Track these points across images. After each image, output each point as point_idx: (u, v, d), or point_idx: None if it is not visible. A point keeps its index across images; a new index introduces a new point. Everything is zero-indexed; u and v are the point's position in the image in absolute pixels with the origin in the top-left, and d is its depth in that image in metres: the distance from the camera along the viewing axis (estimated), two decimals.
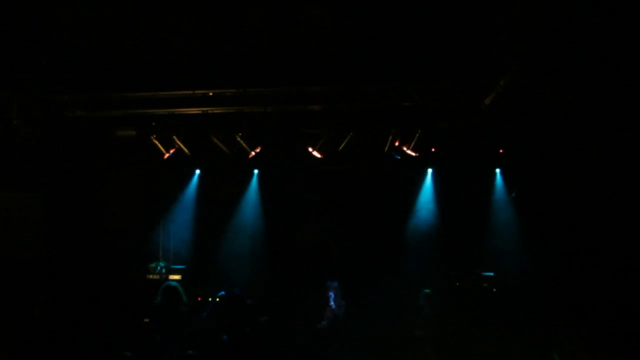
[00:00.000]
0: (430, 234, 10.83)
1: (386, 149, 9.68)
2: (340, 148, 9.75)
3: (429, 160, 10.37)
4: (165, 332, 9.22)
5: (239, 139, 9.92)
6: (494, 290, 10.17)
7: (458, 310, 9.79)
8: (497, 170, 10.79)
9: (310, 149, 9.80)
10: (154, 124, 9.96)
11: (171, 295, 9.36)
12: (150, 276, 10.95)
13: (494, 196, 10.77)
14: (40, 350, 9.73)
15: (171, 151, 10.20)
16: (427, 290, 9.79)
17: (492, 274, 10.32)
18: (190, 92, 9.17)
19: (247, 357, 9.66)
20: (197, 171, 11.68)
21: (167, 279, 10.55)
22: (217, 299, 10.37)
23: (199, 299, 10.59)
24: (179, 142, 10.16)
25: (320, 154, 9.83)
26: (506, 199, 10.68)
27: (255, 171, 11.62)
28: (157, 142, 10.09)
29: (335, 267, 10.68)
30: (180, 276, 10.86)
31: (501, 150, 10.15)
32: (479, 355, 9.09)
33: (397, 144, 9.58)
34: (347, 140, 9.70)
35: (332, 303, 9.85)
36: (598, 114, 8.51)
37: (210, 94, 9.17)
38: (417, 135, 9.47)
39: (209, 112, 9.42)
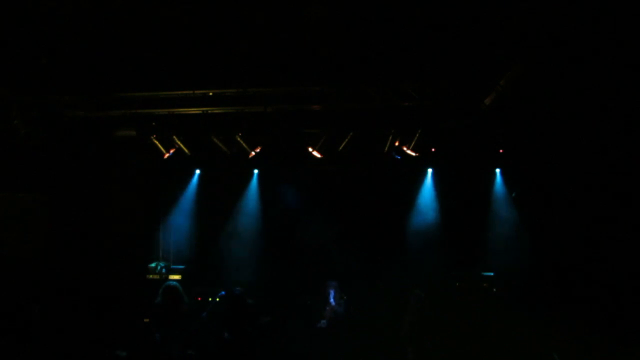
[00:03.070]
0: (430, 233, 10.82)
1: (386, 149, 9.68)
2: (340, 148, 9.75)
3: (429, 160, 10.37)
4: (165, 332, 9.21)
5: (239, 139, 9.92)
6: (494, 290, 10.16)
7: (458, 310, 9.78)
8: (497, 170, 10.79)
9: (310, 149, 9.80)
10: (154, 124, 9.96)
11: (171, 295, 9.35)
12: (150, 276, 10.94)
13: (494, 196, 10.76)
14: (40, 350, 9.73)
15: (171, 151, 10.20)
16: (417, 291, 9.72)
17: (492, 274, 10.31)
18: (190, 92, 9.17)
19: (247, 357, 9.66)
20: (197, 171, 11.68)
21: (167, 279, 10.54)
22: (217, 299, 10.37)
23: (199, 299, 10.59)
24: (179, 142, 10.16)
25: (320, 154, 9.83)
26: (506, 198, 10.67)
27: (255, 171, 11.62)
28: (157, 142, 10.09)
29: (335, 267, 10.68)
30: (180, 276, 10.86)
31: (501, 150, 10.15)
32: (476, 355, 9.09)
33: (397, 144, 9.57)
34: (347, 140, 9.70)
35: (332, 300, 9.85)
36: (598, 114, 8.52)
37: (210, 94, 9.17)
38: (417, 135, 9.47)
39: (209, 112, 9.42)
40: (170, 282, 9.87)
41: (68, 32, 7.93)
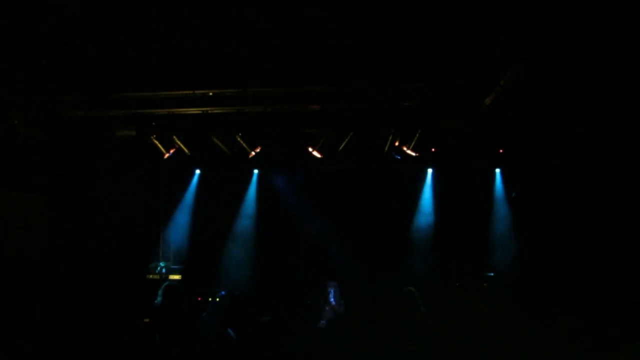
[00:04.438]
0: (430, 233, 10.82)
1: (386, 149, 9.68)
2: (340, 148, 9.76)
3: (429, 160, 10.37)
4: (165, 332, 9.21)
5: (239, 139, 9.92)
6: (493, 290, 10.17)
7: (458, 309, 9.78)
8: (497, 170, 10.78)
9: (310, 149, 9.81)
10: (154, 124, 9.96)
11: (171, 295, 9.35)
12: (150, 276, 10.94)
13: (494, 196, 10.76)
14: (40, 350, 9.72)
15: (171, 151, 10.20)
16: (410, 288, 9.68)
17: (492, 274, 10.31)
18: (190, 92, 9.17)
19: (247, 357, 9.65)
20: (197, 171, 11.68)
21: (167, 279, 10.55)
22: (217, 299, 10.37)
23: (199, 299, 10.58)
24: (179, 142, 10.17)
25: (320, 154, 9.83)
26: (506, 198, 10.67)
27: (255, 171, 11.61)
28: (157, 142, 10.09)
29: (335, 267, 10.68)
30: (180, 276, 10.86)
31: (501, 150, 10.15)
32: (476, 355, 9.09)
33: (397, 144, 9.58)
34: (347, 140, 9.70)
35: (332, 299, 9.84)
36: (598, 114, 8.52)
37: (210, 94, 9.17)
38: (417, 135, 9.47)
39: (209, 112, 9.42)
40: (170, 282, 9.87)
41: (68, 32, 7.93)
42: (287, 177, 11.38)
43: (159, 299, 9.36)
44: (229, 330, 9.62)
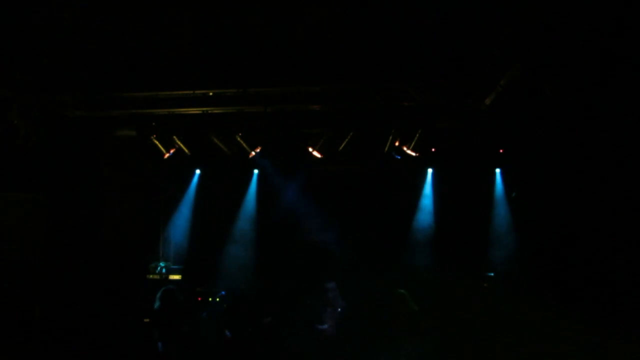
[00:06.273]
0: (430, 234, 10.81)
1: (386, 149, 9.68)
2: (340, 148, 9.75)
3: (429, 160, 10.37)
4: (165, 335, 9.21)
5: (239, 139, 9.92)
6: (493, 290, 10.17)
7: (458, 310, 9.77)
8: (497, 170, 10.78)
9: (310, 149, 9.80)
10: (154, 124, 9.97)
11: (169, 300, 9.35)
12: (150, 276, 10.94)
13: (494, 196, 10.75)
14: (40, 351, 9.73)
15: (171, 151, 10.21)
16: (401, 290, 9.66)
17: (492, 274, 10.31)
18: (190, 92, 9.18)
19: (248, 357, 9.65)
20: (197, 171, 11.68)
21: (167, 279, 10.55)
22: (217, 299, 10.36)
23: (199, 299, 10.58)
24: (179, 142, 10.17)
25: (320, 154, 9.83)
26: (506, 198, 10.66)
27: (255, 171, 11.61)
28: (157, 142, 10.10)
29: (335, 267, 10.67)
30: (180, 276, 10.86)
31: (501, 150, 10.14)
32: (476, 355, 9.10)
33: (397, 144, 9.58)
34: (347, 140, 9.70)
35: (332, 300, 9.82)
36: (598, 114, 8.52)
37: (210, 94, 9.18)
38: (417, 135, 9.47)
39: (209, 112, 9.43)
40: (167, 287, 9.83)
41: (68, 32, 7.93)
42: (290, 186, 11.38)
43: (157, 303, 9.36)
44: (226, 331, 9.63)
